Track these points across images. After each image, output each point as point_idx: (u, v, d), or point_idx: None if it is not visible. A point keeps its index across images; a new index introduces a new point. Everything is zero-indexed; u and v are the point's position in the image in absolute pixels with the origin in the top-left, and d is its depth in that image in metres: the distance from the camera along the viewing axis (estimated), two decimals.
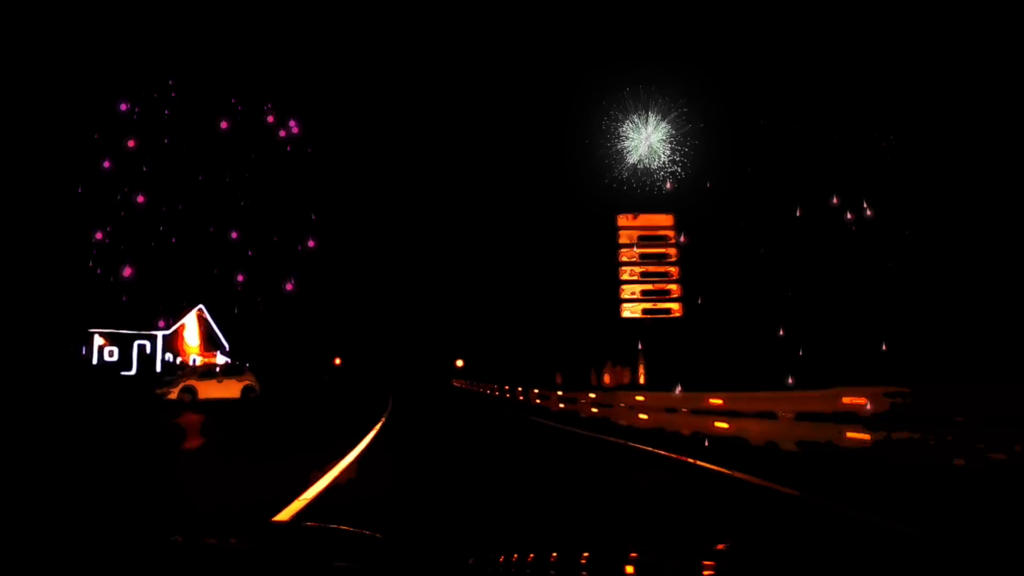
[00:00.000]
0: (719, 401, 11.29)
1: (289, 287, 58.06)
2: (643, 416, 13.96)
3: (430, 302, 79.60)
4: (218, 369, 24.04)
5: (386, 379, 72.17)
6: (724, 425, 11.14)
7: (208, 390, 22.08)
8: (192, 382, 22.21)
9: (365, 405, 23.17)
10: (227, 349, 41.44)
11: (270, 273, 55.73)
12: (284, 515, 5.04)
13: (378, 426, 14.29)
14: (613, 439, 12.09)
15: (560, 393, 20.41)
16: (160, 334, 33.93)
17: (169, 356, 34.12)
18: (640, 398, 14.10)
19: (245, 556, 1.82)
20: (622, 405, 15.54)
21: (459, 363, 59.49)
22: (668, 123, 52.10)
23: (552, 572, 1.82)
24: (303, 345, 58.80)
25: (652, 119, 52.62)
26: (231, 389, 22.48)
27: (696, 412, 12.05)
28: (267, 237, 64.09)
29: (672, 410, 12.97)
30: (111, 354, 33.88)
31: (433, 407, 25.04)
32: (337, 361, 64.28)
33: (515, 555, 1.82)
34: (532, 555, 1.85)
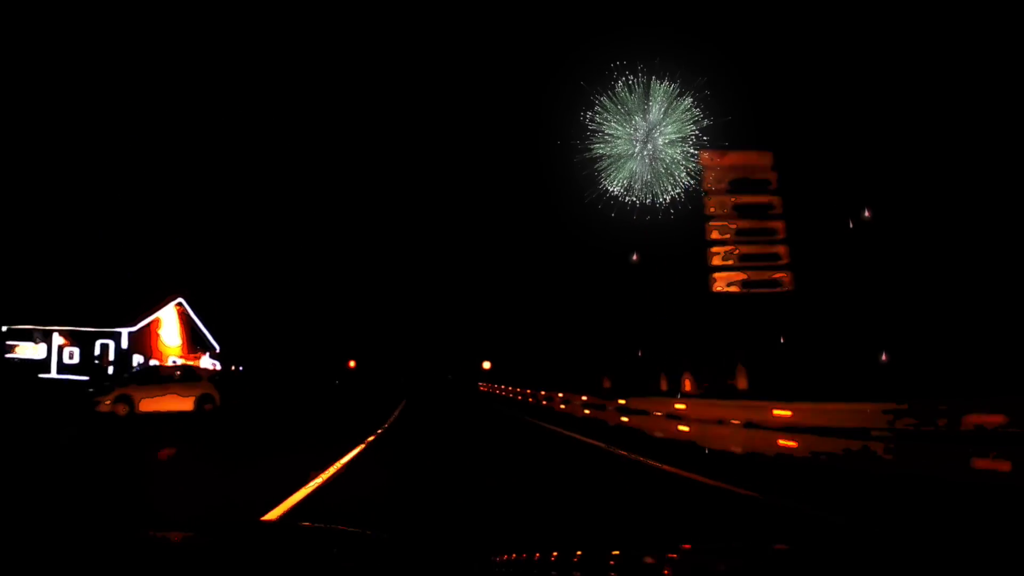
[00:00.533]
0: (1000, 418, 5.70)
1: (297, 284, 53.50)
2: (788, 442, 8.40)
3: (453, 300, 74.78)
4: (167, 374, 18.95)
5: (406, 383, 67.27)
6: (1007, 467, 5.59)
7: (150, 400, 17.08)
8: (129, 390, 17.22)
9: (360, 419, 17.93)
10: (217, 351, 36.70)
11: (274, 267, 51.20)
12: None
13: (356, 450, 9.05)
14: (733, 487, 6.64)
15: (621, 402, 14.84)
16: (125, 331, 29.06)
17: (140, 358, 29.39)
18: (784, 412, 8.49)
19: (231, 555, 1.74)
20: (735, 422, 9.98)
21: (486, 365, 53.93)
22: (681, 115, 44.69)
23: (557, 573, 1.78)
24: (312, 347, 54.13)
25: (656, 109, 45.00)
26: (180, 400, 17.43)
27: (924, 437, 6.44)
28: (269, 228, 59.62)
29: (857, 433, 7.37)
30: (71, 356, 29.34)
31: (451, 419, 19.77)
32: (352, 364, 59.37)
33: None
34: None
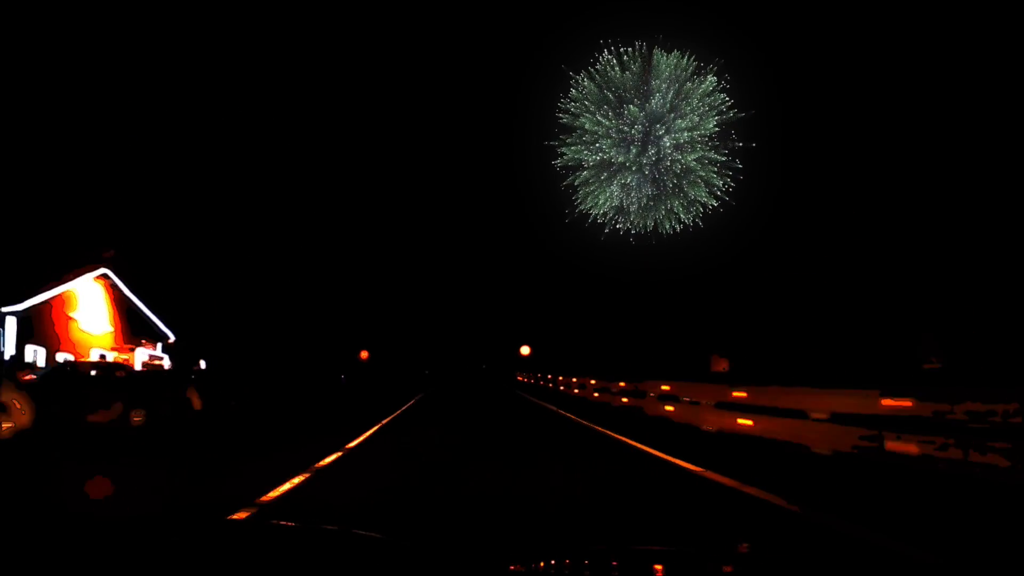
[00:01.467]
0: None
1: (292, 262, 45.77)
2: None
3: (485, 276, 66.89)
4: None
5: (432, 376, 59.54)
6: None
7: None
8: None
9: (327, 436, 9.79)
10: (170, 340, 28.98)
11: (260, 243, 43.48)
12: None
13: None
14: None
15: (897, 403, 6.23)
16: (10, 311, 21.18)
17: (39, 350, 21.67)
18: None
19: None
20: None
21: (524, 351, 45.60)
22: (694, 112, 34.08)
23: None
24: (312, 337, 46.41)
25: (661, 93, 34.22)
26: None
27: None
28: (254, 197, 51.93)
29: None
30: None
31: (481, 440, 11.46)
32: (364, 355, 51.62)
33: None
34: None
